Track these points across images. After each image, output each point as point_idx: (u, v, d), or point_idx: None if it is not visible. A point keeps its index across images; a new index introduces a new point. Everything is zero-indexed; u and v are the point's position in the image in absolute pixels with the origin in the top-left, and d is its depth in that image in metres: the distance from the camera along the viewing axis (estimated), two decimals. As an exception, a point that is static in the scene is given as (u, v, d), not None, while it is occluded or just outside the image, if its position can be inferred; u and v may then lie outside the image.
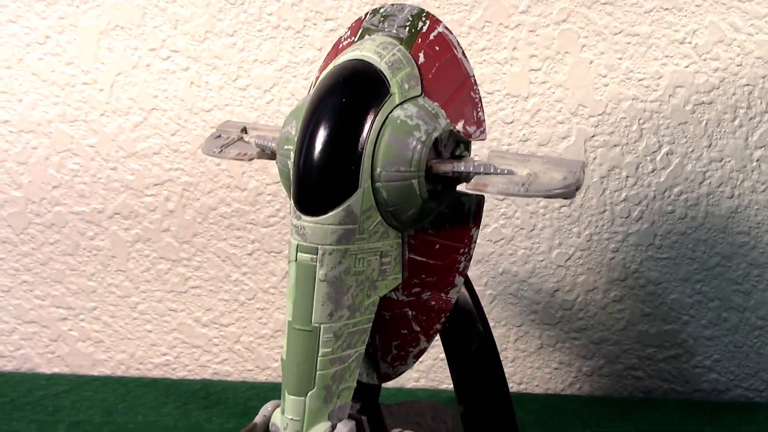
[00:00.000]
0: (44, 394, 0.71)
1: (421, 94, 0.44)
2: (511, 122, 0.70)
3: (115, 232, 0.75)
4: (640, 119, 0.68)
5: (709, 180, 0.69)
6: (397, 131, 0.42)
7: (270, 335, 0.77)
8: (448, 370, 0.72)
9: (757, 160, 0.68)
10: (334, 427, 0.44)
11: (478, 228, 0.47)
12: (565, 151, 0.69)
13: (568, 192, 0.42)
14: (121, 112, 0.73)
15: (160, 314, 0.77)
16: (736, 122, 0.67)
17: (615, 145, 0.69)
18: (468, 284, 0.53)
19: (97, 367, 0.79)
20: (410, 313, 0.47)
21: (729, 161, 0.68)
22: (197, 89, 0.72)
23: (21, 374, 0.77)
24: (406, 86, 0.43)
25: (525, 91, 0.69)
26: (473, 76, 0.46)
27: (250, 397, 0.71)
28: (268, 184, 0.73)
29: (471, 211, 0.46)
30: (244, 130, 0.53)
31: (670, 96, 0.67)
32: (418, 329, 0.48)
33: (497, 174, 0.43)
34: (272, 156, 0.50)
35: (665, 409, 0.68)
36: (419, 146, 0.42)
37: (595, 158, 0.69)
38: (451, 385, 0.67)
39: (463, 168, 0.43)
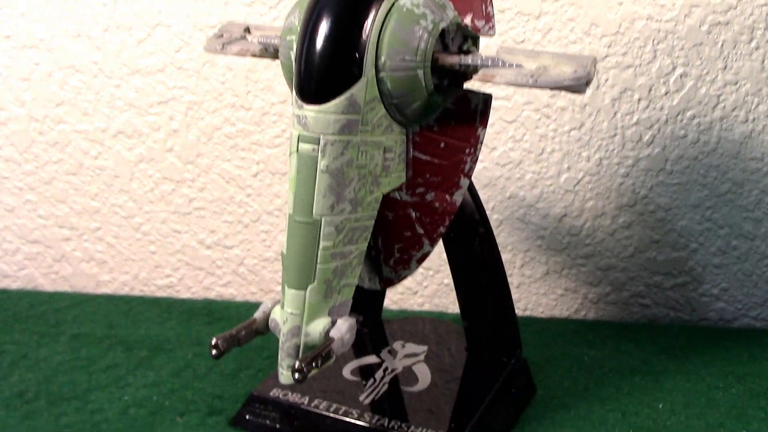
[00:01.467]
0: (46, 309, 0.71)
1: None
2: (522, 42, 0.68)
3: (118, 151, 0.75)
4: (654, 40, 0.66)
5: (723, 104, 0.67)
6: (403, 19, 0.41)
7: (274, 258, 0.76)
8: (452, 295, 0.71)
9: (774, 83, 0.66)
10: (334, 323, 0.43)
11: (485, 128, 0.45)
12: (577, 73, 0.68)
13: (578, 85, 0.41)
14: (124, 28, 0.72)
15: (164, 235, 0.77)
16: (753, 44, 0.65)
17: (628, 67, 0.67)
18: (473, 192, 0.52)
19: (101, 288, 0.78)
20: (414, 214, 0.47)
21: (744, 84, 0.66)
22: (202, 4, 0.71)
23: (24, 291, 0.77)
24: None
25: (536, 9, 0.67)
26: None
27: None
28: (274, 104, 0.72)
29: (478, 109, 0.45)
30: (247, 30, 0.52)
31: (685, 16, 0.66)
32: (422, 232, 0.47)
33: (506, 67, 0.42)
34: (275, 55, 0.49)
35: (671, 333, 0.68)
36: (425, 35, 0.41)
37: (607, 80, 0.68)
38: (457, 310, 0.67)
39: (470, 61, 0.42)
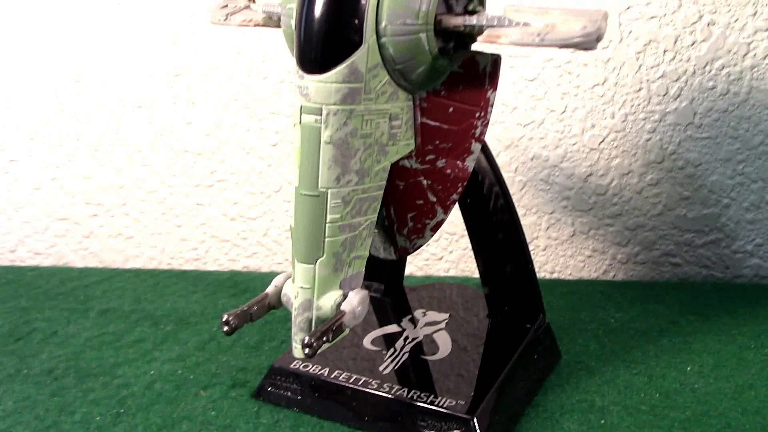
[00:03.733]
0: (76, 285, 0.72)
1: None
2: (541, -4, 0.66)
3: (138, 124, 0.75)
4: (679, -12, 0.64)
5: (754, 51, 0.64)
6: None
7: (297, 227, 0.76)
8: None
9: (808, 28, 0.63)
10: (345, 295, 0.43)
11: (495, 90, 0.44)
12: (599, 26, 0.65)
13: (588, 41, 0.39)
14: None
15: (188, 209, 0.77)
16: (785, -13, 0.62)
17: (652, 17, 0.65)
18: (487, 154, 0.51)
19: (129, 262, 0.79)
20: (425, 182, 0.45)
21: (776, 30, 0.63)
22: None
23: (55, 267, 0.78)
24: None
25: (555, -38, 0.65)
26: None
27: (278, 286, 0.71)
28: (290, 72, 0.71)
29: (486, 71, 0.43)
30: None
31: (712, -39, 0.63)
32: (434, 200, 0.46)
33: (512, 26, 0.40)
34: (278, 23, 0.48)
35: (703, 291, 0.66)
36: None
37: (630, 32, 0.65)
38: (477, 275, 0.66)
39: (475, 21, 0.41)
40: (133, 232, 0.78)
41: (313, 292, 0.42)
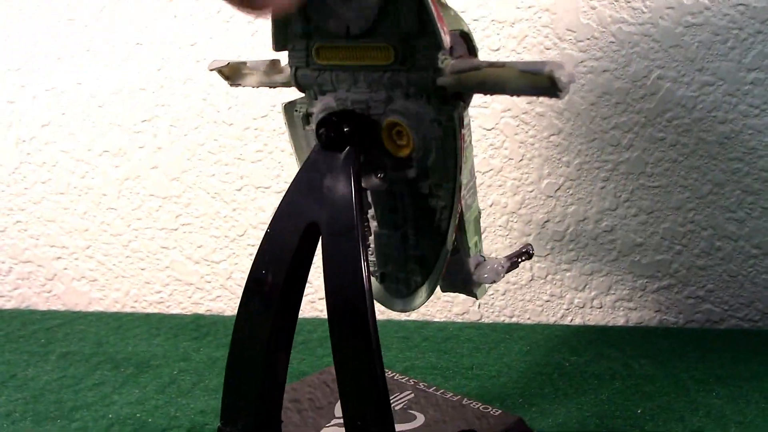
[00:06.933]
0: (38, 328, 0.72)
1: None
2: (498, 49, 0.68)
3: (104, 170, 0.76)
4: (629, 43, 0.67)
5: (701, 105, 0.67)
6: None
7: (261, 271, 0.77)
8: (438, 303, 0.72)
9: (751, 83, 0.66)
10: None
11: None
12: (554, 79, 0.68)
13: None
14: (105, 48, 0.73)
15: (153, 252, 0.78)
16: (729, 44, 0.65)
17: (604, 71, 0.67)
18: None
19: (93, 305, 0.79)
20: None
21: (721, 85, 0.66)
22: (181, 22, 0.72)
23: (17, 310, 0.78)
24: None
25: (511, 16, 0.68)
26: None
27: (240, 329, 0.71)
28: (255, 119, 0.72)
29: None
30: None
31: (659, 18, 0.66)
32: None
33: None
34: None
35: (656, 336, 0.68)
36: None
37: (584, 84, 0.68)
38: (442, 319, 0.67)
39: None
40: (97, 275, 0.79)
41: None
